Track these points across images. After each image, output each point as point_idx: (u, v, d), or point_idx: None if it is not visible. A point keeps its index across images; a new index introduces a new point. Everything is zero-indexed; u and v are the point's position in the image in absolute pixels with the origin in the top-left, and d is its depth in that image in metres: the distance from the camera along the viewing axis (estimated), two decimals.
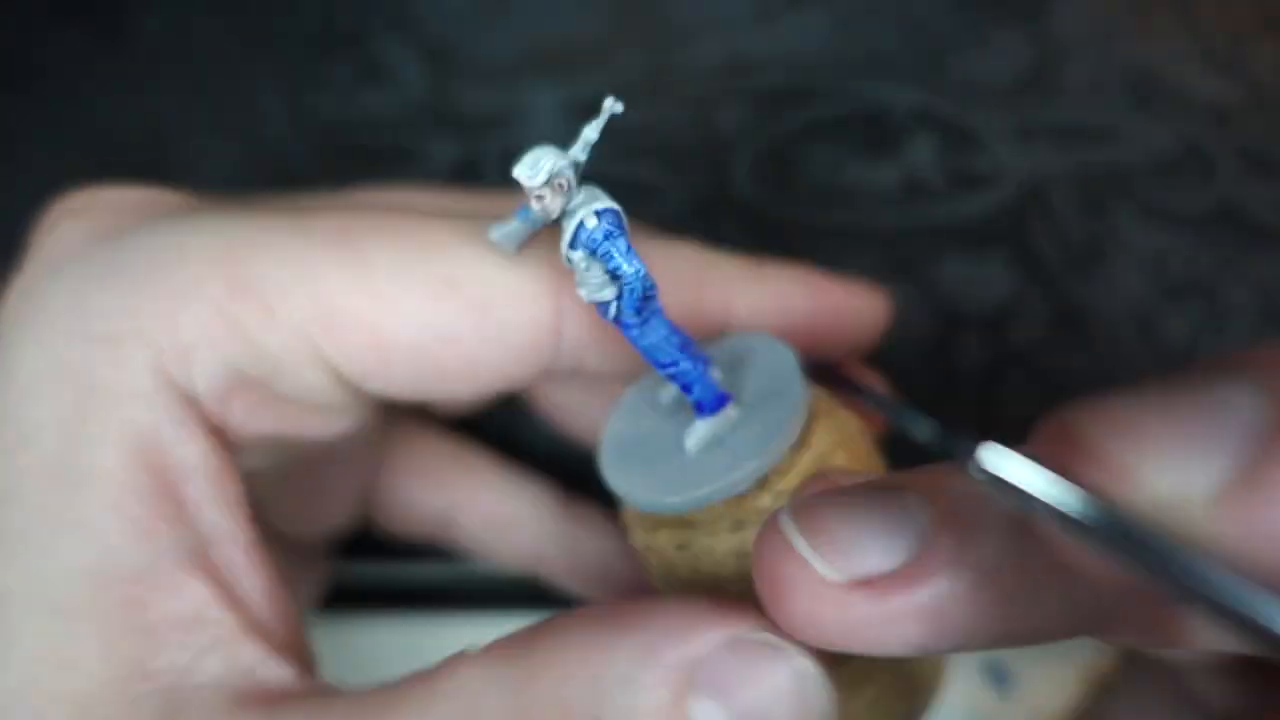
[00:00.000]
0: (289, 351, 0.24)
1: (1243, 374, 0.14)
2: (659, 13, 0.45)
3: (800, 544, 0.19)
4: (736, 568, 0.23)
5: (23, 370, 0.23)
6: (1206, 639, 0.16)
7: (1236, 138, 0.42)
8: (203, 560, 0.23)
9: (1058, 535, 0.15)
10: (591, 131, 0.22)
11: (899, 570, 0.18)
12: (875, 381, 0.33)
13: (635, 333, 0.23)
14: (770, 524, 0.19)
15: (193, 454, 0.23)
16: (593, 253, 0.22)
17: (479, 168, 0.42)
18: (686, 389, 0.24)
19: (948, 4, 0.44)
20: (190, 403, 0.24)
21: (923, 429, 0.19)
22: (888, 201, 0.41)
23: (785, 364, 0.25)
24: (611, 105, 0.22)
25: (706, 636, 0.19)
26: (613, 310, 0.23)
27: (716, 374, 0.25)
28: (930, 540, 0.18)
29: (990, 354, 0.39)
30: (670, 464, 0.24)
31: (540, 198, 0.22)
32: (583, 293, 0.23)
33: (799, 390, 0.24)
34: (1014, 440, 0.17)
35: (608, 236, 0.22)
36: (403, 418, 0.34)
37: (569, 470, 0.37)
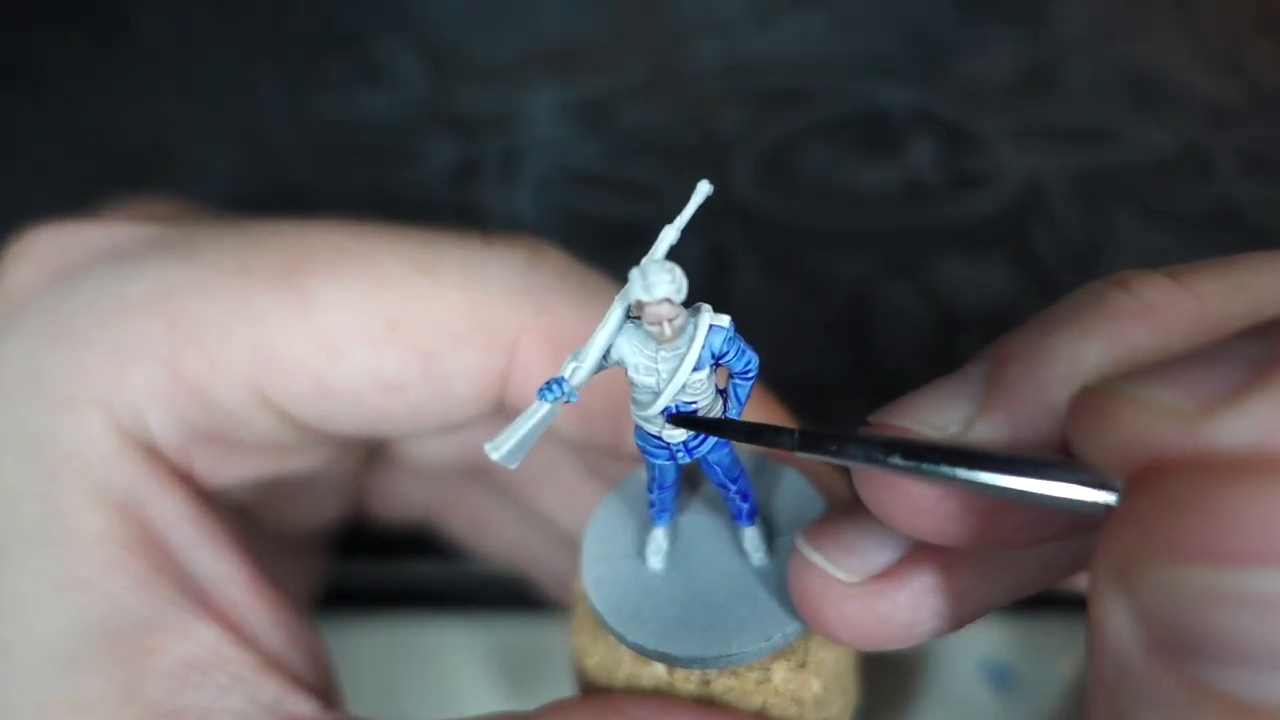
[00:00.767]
0: (237, 401, 0.24)
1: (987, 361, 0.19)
2: (659, 14, 0.45)
3: (818, 559, 0.20)
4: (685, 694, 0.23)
5: None
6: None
7: (1235, 138, 0.42)
8: (207, 604, 0.23)
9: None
10: (675, 231, 0.20)
11: (903, 559, 0.19)
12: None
13: (727, 447, 0.21)
14: (795, 554, 0.20)
15: (172, 506, 0.23)
16: (719, 359, 0.19)
17: (479, 168, 0.42)
18: (744, 497, 0.22)
19: (947, 5, 0.45)
20: (156, 456, 0.24)
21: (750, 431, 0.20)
22: (888, 202, 0.41)
23: (803, 491, 0.24)
24: (705, 190, 0.20)
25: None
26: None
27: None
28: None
29: None
30: (676, 609, 0.22)
31: (677, 316, 0.18)
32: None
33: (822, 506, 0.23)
34: None
35: (736, 332, 0.20)
36: None
37: None
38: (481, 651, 0.36)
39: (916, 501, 0.18)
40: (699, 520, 0.24)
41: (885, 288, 0.40)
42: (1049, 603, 0.31)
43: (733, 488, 0.22)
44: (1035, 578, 0.20)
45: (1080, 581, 0.19)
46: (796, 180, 0.42)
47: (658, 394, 0.19)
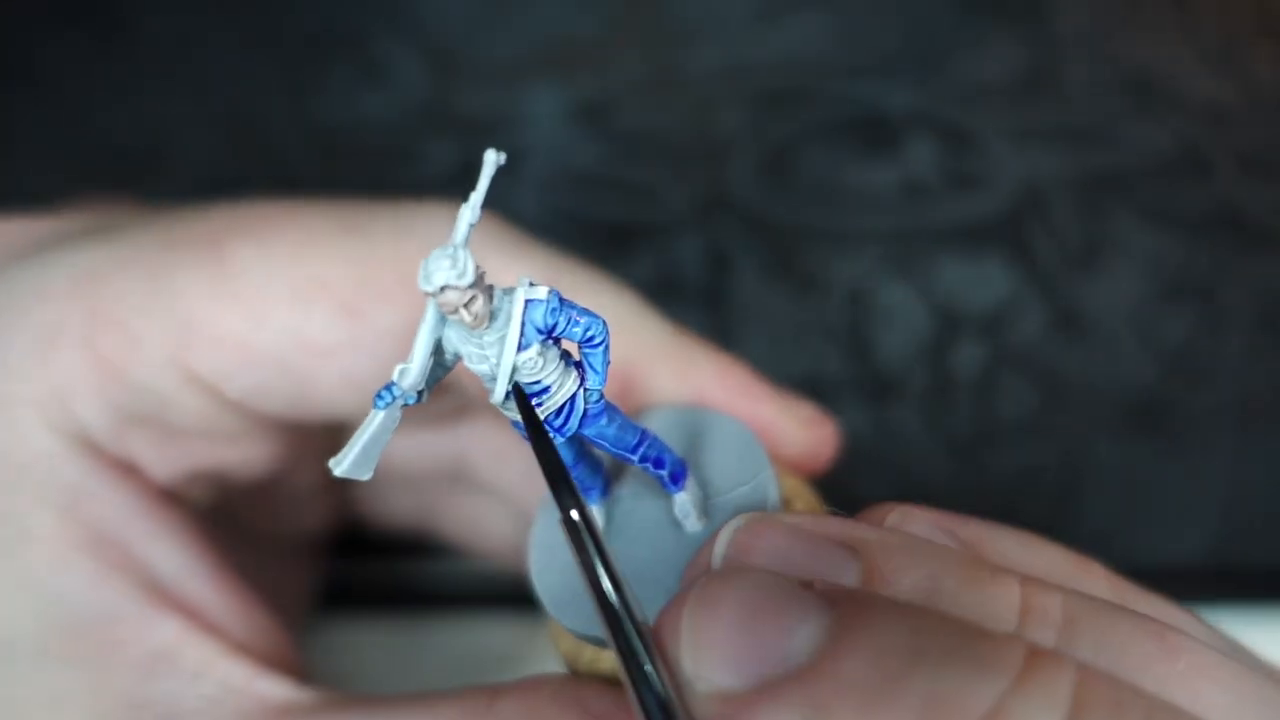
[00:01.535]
0: (162, 379, 0.23)
1: (825, 612, 0.17)
2: (659, 14, 0.45)
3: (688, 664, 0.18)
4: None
5: None
6: None
7: (1234, 139, 0.42)
8: (166, 595, 0.23)
9: None
10: (472, 209, 0.18)
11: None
12: None
13: (605, 418, 0.20)
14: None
15: (120, 499, 0.23)
16: (549, 333, 0.18)
17: (479, 168, 0.42)
18: (659, 464, 0.21)
19: (947, 5, 0.45)
20: (95, 450, 0.23)
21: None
22: (887, 202, 0.41)
23: (745, 448, 0.23)
24: (495, 158, 0.18)
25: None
26: (580, 402, 0.19)
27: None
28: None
29: (988, 354, 0.39)
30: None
31: (473, 300, 0.17)
32: (543, 408, 0.19)
33: (767, 468, 0.22)
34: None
35: (563, 301, 0.18)
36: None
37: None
38: (483, 651, 0.36)
39: None
40: (639, 491, 0.23)
41: (885, 288, 0.40)
42: None
43: (634, 457, 0.21)
44: None
45: None
46: (796, 180, 0.42)
47: (490, 376, 0.18)
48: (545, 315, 0.18)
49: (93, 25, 0.46)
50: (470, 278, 0.17)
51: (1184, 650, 0.17)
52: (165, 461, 0.25)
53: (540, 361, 0.18)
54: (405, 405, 0.19)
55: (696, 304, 0.40)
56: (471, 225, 0.18)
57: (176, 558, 0.24)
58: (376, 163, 0.43)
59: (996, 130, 0.42)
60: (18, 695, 0.22)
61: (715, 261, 0.40)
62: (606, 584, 0.17)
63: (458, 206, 0.25)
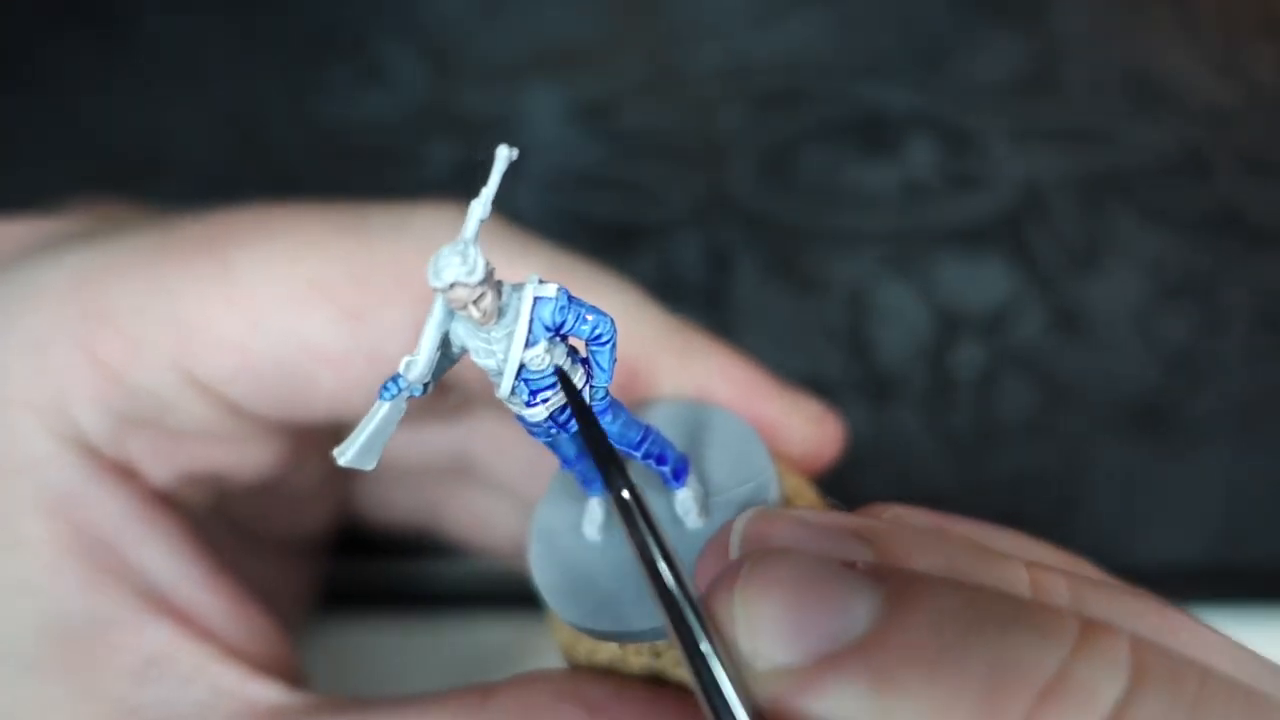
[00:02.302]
0: (162, 382, 0.23)
1: (877, 586, 0.17)
2: (659, 14, 0.45)
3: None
4: (639, 674, 0.22)
5: None
6: None
7: (1235, 140, 0.42)
8: (160, 600, 0.23)
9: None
10: (484, 204, 0.18)
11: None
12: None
13: (609, 415, 0.20)
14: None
15: (115, 504, 0.23)
16: (558, 330, 0.18)
17: (479, 168, 0.42)
18: (661, 460, 0.21)
19: (947, 5, 0.45)
20: (92, 453, 0.23)
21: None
22: (886, 202, 0.41)
23: (747, 445, 0.23)
24: (508, 154, 0.18)
25: None
26: (587, 394, 0.19)
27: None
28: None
29: (988, 354, 0.39)
30: (611, 583, 0.21)
31: (482, 297, 0.17)
32: (548, 404, 0.19)
33: (769, 469, 0.22)
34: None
35: (572, 299, 0.18)
36: None
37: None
38: (484, 650, 0.36)
39: None
40: (642, 484, 0.23)
41: (885, 288, 0.40)
42: None
43: (636, 454, 0.21)
44: None
45: None
46: (796, 180, 0.42)
47: (500, 372, 0.18)
48: (554, 313, 0.18)
49: (93, 25, 0.46)
50: (480, 274, 0.17)
51: (1183, 625, 0.18)
52: (163, 464, 0.25)
53: (547, 358, 0.18)
54: (411, 397, 0.19)
55: (696, 304, 0.40)
56: (482, 220, 0.18)
57: (171, 561, 0.23)
58: (376, 163, 0.43)
59: (997, 130, 0.42)
60: (6, 701, 0.22)
61: (715, 261, 0.40)
62: (661, 564, 0.17)
63: (455, 205, 0.25)
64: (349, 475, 0.32)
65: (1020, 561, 0.18)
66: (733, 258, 0.40)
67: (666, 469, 0.21)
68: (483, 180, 0.18)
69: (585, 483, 0.22)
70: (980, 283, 0.40)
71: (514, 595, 0.35)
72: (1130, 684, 0.16)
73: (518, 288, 0.18)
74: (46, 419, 0.23)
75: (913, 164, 0.42)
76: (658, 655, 0.22)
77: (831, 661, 0.16)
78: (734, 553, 0.19)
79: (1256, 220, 0.40)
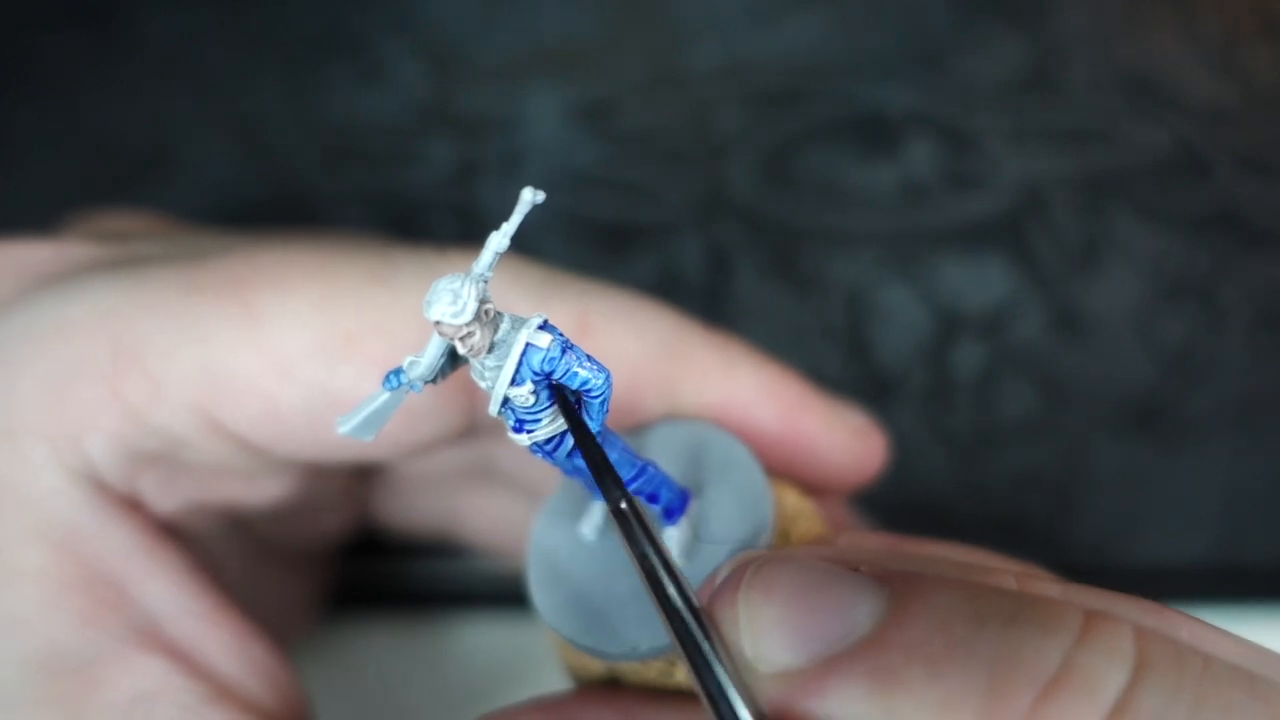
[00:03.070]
0: (184, 424, 0.23)
1: (880, 587, 0.17)
2: (659, 14, 0.45)
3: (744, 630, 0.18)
4: (657, 681, 0.22)
5: None
6: None
7: (1234, 139, 0.42)
8: (156, 637, 0.23)
9: None
10: (502, 239, 0.18)
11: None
12: None
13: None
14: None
15: (119, 538, 0.23)
16: (547, 379, 0.18)
17: (479, 169, 0.42)
18: (653, 499, 0.21)
19: (947, 5, 0.45)
20: (101, 487, 0.23)
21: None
22: (886, 202, 0.41)
23: (743, 469, 0.23)
24: (532, 197, 0.18)
25: None
26: (569, 440, 0.19)
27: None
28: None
29: (988, 354, 0.39)
30: (611, 601, 0.21)
31: (469, 335, 0.18)
32: (531, 435, 0.19)
33: (766, 517, 0.22)
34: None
35: (567, 348, 0.18)
36: None
37: None
38: (491, 650, 0.36)
39: None
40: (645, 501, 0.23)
41: (884, 288, 0.40)
42: None
43: (637, 488, 0.21)
44: None
45: None
46: (796, 180, 0.42)
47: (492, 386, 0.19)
48: (543, 361, 0.18)
49: (93, 25, 0.46)
50: (467, 316, 0.17)
51: (1181, 620, 0.18)
52: (174, 497, 0.25)
53: (533, 399, 0.19)
54: (411, 391, 0.19)
55: (696, 304, 0.40)
56: (498, 254, 0.18)
57: (173, 597, 0.23)
58: (377, 163, 0.43)
59: (996, 130, 0.42)
60: None
61: (715, 261, 0.40)
62: (661, 572, 0.17)
63: (479, 255, 0.25)
64: (368, 484, 0.32)
65: (1006, 571, 0.19)
66: (733, 258, 0.40)
67: (658, 507, 0.21)
68: (502, 216, 0.18)
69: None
70: (980, 283, 0.40)
71: (515, 595, 0.36)
72: (1134, 672, 0.16)
73: (518, 324, 0.18)
74: (59, 452, 0.23)
75: (912, 164, 0.42)
76: (672, 662, 0.21)
77: (835, 662, 0.16)
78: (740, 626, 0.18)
79: (1256, 220, 0.40)
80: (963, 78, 0.43)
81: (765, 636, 0.17)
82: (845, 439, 0.25)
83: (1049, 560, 0.24)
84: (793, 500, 0.24)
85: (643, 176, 0.42)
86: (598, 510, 0.22)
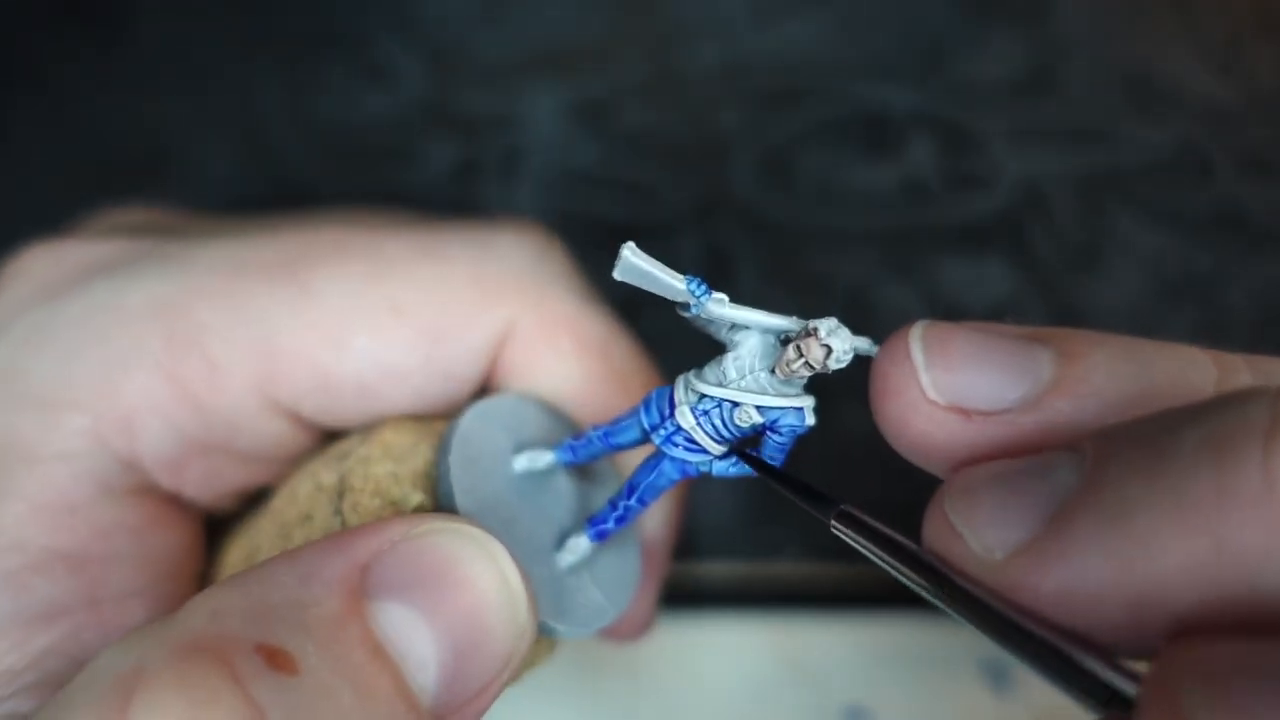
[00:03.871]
0: (240, 406, 0.23)
1: (1073, 451, 0.17)
2: (659, 14, 0.45)
3: (918, 357, 0.19)
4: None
5: None
6: None
7: (1235, 139, 0.42)
8: (74, 616, 0.22)
9: None
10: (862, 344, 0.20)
11: (1000, 412, 0.18)
12: None
13: (656, 462, 0.21)
14: (899, 334, 0.20)
15: (114, 514, 0.23)
16: (769, 426, 0.20)
17: (479, 168, 0.42)
18: (621, 520, 0.22)
19: (947, 5, 0.45)
20: (131, 469, 0.23)
21: (800, 494, 0.20)
22: (887, 202, 0.41)
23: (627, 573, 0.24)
24: (869, 348, 0.20)
25: (367, 541, 0.18)
26: (665, 434, 0.21)
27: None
28: (1044, 399, 0.18)
29: None
30: (514, 522, 0.22)
31: (816, 371, 0.19)
32: (672, 451, 0.21)
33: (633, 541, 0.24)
34: None
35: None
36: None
37: None
38: None
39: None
40: (573, 491, 0.24)
41: (885, 288, 0.40)
42: None
43: (621, 503, 0.21)
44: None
45: None
46: (796, 180, 0.42)
47: (720, 384, 0.19)
48: (788, 429, 0.20)
49: (93, 26, 0.46)
50: (843, 365, 0.19)
51: None
52: (212, 485, 0.25)
53: (708, 441, 0.20)
54: (692, 303, 0.20)
55: None
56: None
57: (134, 582, 0.23)
58: (376, 163, 0.43)
59: (997, 130, 0.42)
60: None
61: (715, 261, 0.40)
62: (910, 547, 0.18)
63: (535, 228, 0.26)
64: None
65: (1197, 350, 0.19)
66: (733, 258, 0.40)
67: (606, 526, 0.22)
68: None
69: (568, 446, 0.22)
70: (981, 282, 0.40)
71: None
72: None
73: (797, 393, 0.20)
74: (99, 426, 0.23)
75: (913, 164, 0.42)
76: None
77: (1061, 517, 0.16)
78: (915, 356, 0.19)
79: (1257, 220, 0.40)
80: (963, 77, 0.43)
81: (985, 527, 0.17)
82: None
83: None
84: (385, 468, 0.23)
85: (642, 176, 0.42)
86: (542, 457, 0.23)
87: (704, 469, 0.21)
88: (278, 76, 0.44)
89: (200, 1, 0.46)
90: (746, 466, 0.20)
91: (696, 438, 0.20)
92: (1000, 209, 0.41)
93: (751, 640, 0.34)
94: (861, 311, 0.39)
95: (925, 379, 0.19)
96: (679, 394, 0.20)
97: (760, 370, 0.19)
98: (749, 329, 0.20)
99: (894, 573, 0.18)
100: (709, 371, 0.20)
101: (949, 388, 0.19)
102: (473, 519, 0.20)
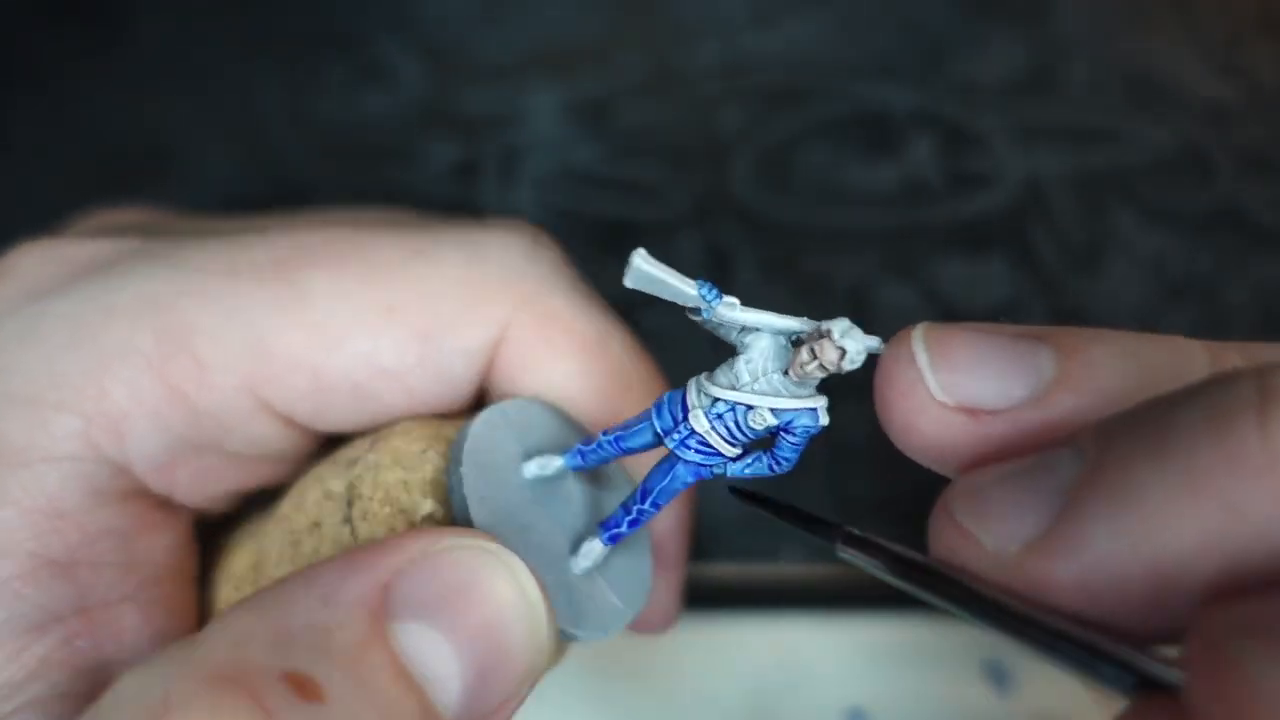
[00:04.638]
0: (230, 407, 0.23)
1: (1074, 445, 0.17)
2: (659, 13, 0.45)
3: (923, 359, 0.19)
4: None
5: None
6: None
7: (1236, 138, 0.42)
8: (67, 624, 0.22)
9: None
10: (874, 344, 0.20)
11: (1005, 410, 0.19)
12: None
13: (670, 464, 0.21)
14: (902, 334, 0.20)
15: (103, 518, 0.22)
16: (782, 427, 0.20)
17: (479, 168, 0.42)
18: (634, 523, 0.22)
19: (948, 5, 0.45)
20: (119, 471, 0.23)
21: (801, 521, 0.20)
22: (888, 201, 0.41)
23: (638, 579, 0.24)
24: (879, 347, 0.20)
25: (386, 559, 0.18)
26: (679, 438, 0.21)
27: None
28: (1048, 395, 0.18)
29: None
30: (555, 567, 0.22)
31: (828, 372, 0.19)
32: (684, 454, 0.21)
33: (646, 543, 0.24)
34: None
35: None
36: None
37: None
38: None
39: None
40: (583, 495, 0.24)
41: (885, 288, 0.40)
42: None
43: (635, 506, 0.21)
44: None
45: None
46: (796, 180, 0.42)
47: (732, 387, 0.19)
48: (802, 430, 0.20)
49: (93, 26, 0.46)
50: (856, 366, 0.19)
51: None
52: (202, 488, 0.24)
53: (725, 445, 0.20)
54: (703, 307, 0.19)
55: None
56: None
57: (120, 588, 0.23)
58: (376, 162, 0.43)
59: (997, 129, 0.42)
60: None
61: (715, 261, 0.40)
62: (919, 559, 0.18)
63: (525, 228, 0.26)
64: None
65: (1198, 344, 0.19)
66: (733, 258, 0.40)
67: (622, 529, 0.22)
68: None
69: (577, 452, 0.22)
70: (982, 282, 0.40)
71: None
72: None
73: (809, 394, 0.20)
74: (88, 428, 0.22)
75: (913, 163, 0.42)
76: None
77: (1071, 508, 0.16)
78: (920, 358, 0.19)
79: (1258, 219, 0.40)
80: (964, 77, 0.43)
81: (996, 520, 0.17)
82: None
83: None
84: (394, 475, 0.23)
85: (642, 175, 0.42)
86: (551, 463, 0.23)
87: (718, 471, 0.21)
88: (278, 76, 0.44)
89: (200, 1, 0.46)
90: (762, 466, 0.20)
91: (711, 441, 0.20)
92: (1001, 209, 0.41)
93: (751, 640, 0.34)
94: (862, 311, 0.39)
95: (932, 380, 0.19)
96: (692, 398, 0.20)
97: (773, 372, 0.19)
98: (759, 331, 0.20)
99: (905, 585, 0.18)
100: (721, 375, 0.20)
101: (955, 388, 0.19)
102: (489, 531, 0.20)
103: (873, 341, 0.19)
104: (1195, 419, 0.15)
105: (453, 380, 0.24)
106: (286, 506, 0.24)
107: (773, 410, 0.19)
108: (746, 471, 0.21)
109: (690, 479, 0.21)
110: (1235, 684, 0.14)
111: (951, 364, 0.19)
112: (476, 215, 0.42)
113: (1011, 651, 0.34)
